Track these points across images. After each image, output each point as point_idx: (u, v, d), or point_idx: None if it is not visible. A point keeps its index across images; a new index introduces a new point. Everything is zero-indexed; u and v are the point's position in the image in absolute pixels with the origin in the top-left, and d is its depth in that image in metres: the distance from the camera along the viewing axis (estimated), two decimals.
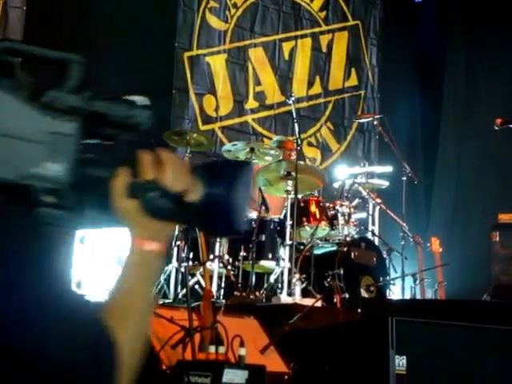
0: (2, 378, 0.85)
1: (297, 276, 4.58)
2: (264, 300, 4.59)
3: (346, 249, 4.88)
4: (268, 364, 3.16)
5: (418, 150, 7.69)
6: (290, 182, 4.88)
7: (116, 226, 1.04)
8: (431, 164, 7.62)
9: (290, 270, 4.59)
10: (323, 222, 4.97)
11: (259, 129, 6.62)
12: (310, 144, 6.93)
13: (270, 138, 6.35)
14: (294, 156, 5.16)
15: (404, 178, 5.70)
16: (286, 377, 3.53)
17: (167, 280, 4.68)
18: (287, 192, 4.88)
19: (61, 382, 0.87)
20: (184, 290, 4.50)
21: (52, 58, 0.98)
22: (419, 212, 7.44)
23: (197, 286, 4.64)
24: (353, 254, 4.91)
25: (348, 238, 5.00)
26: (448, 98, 7.66)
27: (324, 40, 7.10)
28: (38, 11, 5.58)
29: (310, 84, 7.00)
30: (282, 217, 5.05)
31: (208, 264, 4.42)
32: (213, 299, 3.44)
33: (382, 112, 6.41)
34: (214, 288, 4.56)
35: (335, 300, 4.67)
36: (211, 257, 4.63)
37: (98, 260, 4.82)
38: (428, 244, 5.70)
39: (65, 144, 0.94)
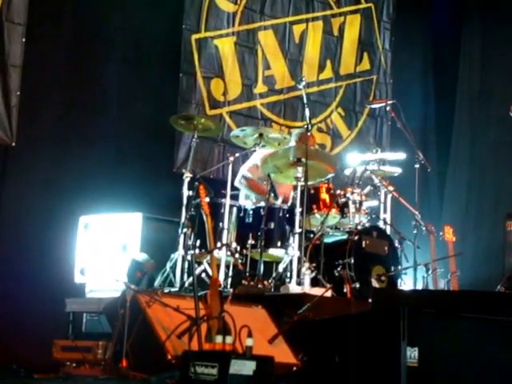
0: None
1: (306, 265, 4.50)
2: (272, 289, 4.54)
3: (356, 237, 4.83)
4: (276, 355, 3.08)
5: (431, 137, 7.70)
6: (299, 169, 4.77)
7: None
8: (445, 151, 7.57)
9: (299, 259, 4.52)
10: (334, 210, 4.88)
11: (268, 114, 6.53)
12: (319, 130, 6.88)
13: (279, 123, 6.25)
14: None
15: (417, 166, 5.62)
16: (295, 368, 3.49)
17: (173, 268, 4.62)
18: (297, 179, 4.76)
19: None
20: (191, 279, 4.47)
21: None
22: (432, 200, 7.42)
23: (204, 275, 4.59)
24: (364, 242, 4.87)
25: (359, 227, 4.95)
26: (463, 84, 7.60)
27: (336, 23, 7.03)
28: None
29: (321, 68, 6.92)
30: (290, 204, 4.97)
31: (215, 252, 4.34)
32: (220, 288, 3.37)
33: (395, 97, 6.33)
34: (222, 277, 4.51)
35: (345, 290, 4.63)
36: (219, 245, 4.55)
37: (103, 247, 4.76)
38: (441, 233, 5.62)
39: None
